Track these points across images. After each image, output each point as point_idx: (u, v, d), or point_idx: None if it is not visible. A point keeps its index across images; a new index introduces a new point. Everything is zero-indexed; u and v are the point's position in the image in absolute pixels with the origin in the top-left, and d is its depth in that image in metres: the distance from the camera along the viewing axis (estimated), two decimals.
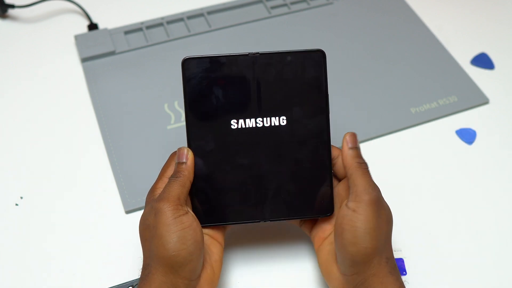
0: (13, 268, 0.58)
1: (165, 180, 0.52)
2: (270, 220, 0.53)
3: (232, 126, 0.53)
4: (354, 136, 0.53)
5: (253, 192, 0.53)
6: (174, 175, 0.51)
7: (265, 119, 0.53)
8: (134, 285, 0.56)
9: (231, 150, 0.53)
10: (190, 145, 0.53)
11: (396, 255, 0.59)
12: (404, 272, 0.58)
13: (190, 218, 0.49)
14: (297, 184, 0.53)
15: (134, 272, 0.58)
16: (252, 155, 0.53)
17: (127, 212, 0.62)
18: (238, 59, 0.52)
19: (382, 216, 0.50)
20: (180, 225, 0.48)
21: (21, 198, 0.63)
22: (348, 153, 0.52)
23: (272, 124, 0.53)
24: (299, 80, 0.53)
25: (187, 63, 0.52)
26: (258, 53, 0.52)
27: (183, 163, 0.52)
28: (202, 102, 0.52)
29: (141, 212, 0.62)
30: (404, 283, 0.57)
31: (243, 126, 0.53)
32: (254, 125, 0.53)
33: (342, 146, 0.53)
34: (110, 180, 0.65)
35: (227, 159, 0.53)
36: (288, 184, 0.53)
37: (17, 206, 0.63)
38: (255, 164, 0.53)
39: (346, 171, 0.52)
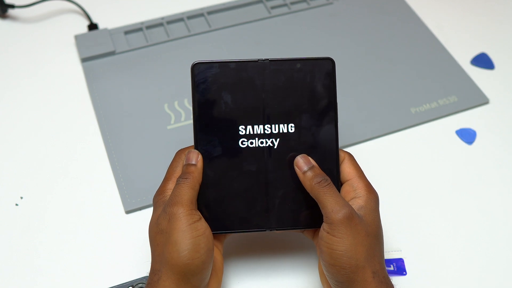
0: (13, 268, 0.58)
1: (175, 181, 0.52)
2: (276, 230, 0.53)
3: (240, 132, 0.52)
4: (303, 157, 0.52)
5: (259, 200, 0.52)
6: (183, 176, 0.50)
7: (273, 126, 0.52)
8: (134, 285, 0.56)
9: (238, 156, 0.52)
10: (197, 150, 0.52)
11: (396, 255, 0.59)
12: (404, 272, 0.58)
13: (203, 225, 0.49)
14: (304, 193, 0.52)
15: (134, 272, 0.58)
16: (260, 162, 0.52)
17: (127, 212, 0.62)
18: (247, 65, 0.52)
19: (359, 231, 0.48)
20: (195, 231, 0.48)
21: (21, 198, 0.63)
22: (304, 178, 0.51)
23: (280, 131, 0.52)
24: (308, 87, 0.53)
25: (196, 68, 0.52)
26: (267, 59, 0.52)
27: (192, 164, 0.51)
28: (211, 107, 0.52)
29: (141, 212, 0.63)
30: (404, 283, 0.57)
31: (251, 133, 0.52)
32: (262, 132, 0.52)
33: (297, 173, 0.52)
34: (110, 180, 0.65)
35: (234, 165, 0.52)
36: (295, 192, 0.52)
37: (17, 206, 0.63)
38: (262, 171, 0.52)
39: (311, 195, 0.51)
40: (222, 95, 0.52)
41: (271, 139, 0.52)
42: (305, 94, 0.53)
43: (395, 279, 0.57)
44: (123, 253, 0.59)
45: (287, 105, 0.53)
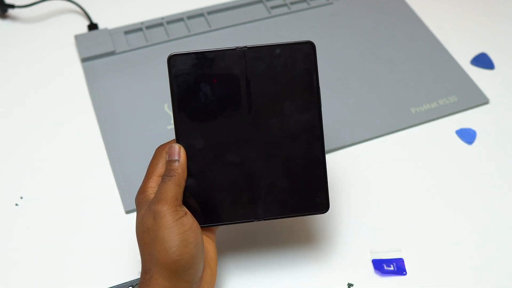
0: (13, 268, 0.58)
1: (156, 179, 0.51)
2: (264, 219, 0.52)
3: (222, 123, 0.51)
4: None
5: (245, 191, 0.52)
6: (168, 174, 0.50)
7: (255, 115, 0.51)
8: (134, 285, 0.56)
9: (222, 147, 0.51)
10: (179, 144, 0.51)
11: (396, 255, 0.59)
12: (404, 272, 0.58)
13: (190, 220, 0.48)
14: (290, 181, 0.52)
15: (134, 272, 0.58)
16: (244, 153, 0.51)
17: (127, 212, 0.62)
18: (225, 53, 0.51)
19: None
20: (181, 227, 0.47)
21: (21, 198, 0.63)
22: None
23: (263, 120, 0.51)
24: (289, 73, 0.51)
25: (173, 60, 0.51)
26: (246, 47, 0.51)
27: (175, 160, 0.50)
28: (190, 99, 0.51)
29: None
30: (404, 283, 0.57)
31: (233, 123, 0.51)
32: (244, 122, 0.51)
33: None
34: (110, 180, 0.65)
35: (218, 157, 0.51)
36: (281, 181, 0.52)
37: (17, 206, 0.63)
38: (247, 161, 0.51)
39: None
40: (201, 86, 0.51)
41: (253, 129, 0.51)
42: (286, 81, 0.51)
43: (395, 279, 0.57)
44: (123, 253, 0.59)
45: (268, 93, 0.51)
